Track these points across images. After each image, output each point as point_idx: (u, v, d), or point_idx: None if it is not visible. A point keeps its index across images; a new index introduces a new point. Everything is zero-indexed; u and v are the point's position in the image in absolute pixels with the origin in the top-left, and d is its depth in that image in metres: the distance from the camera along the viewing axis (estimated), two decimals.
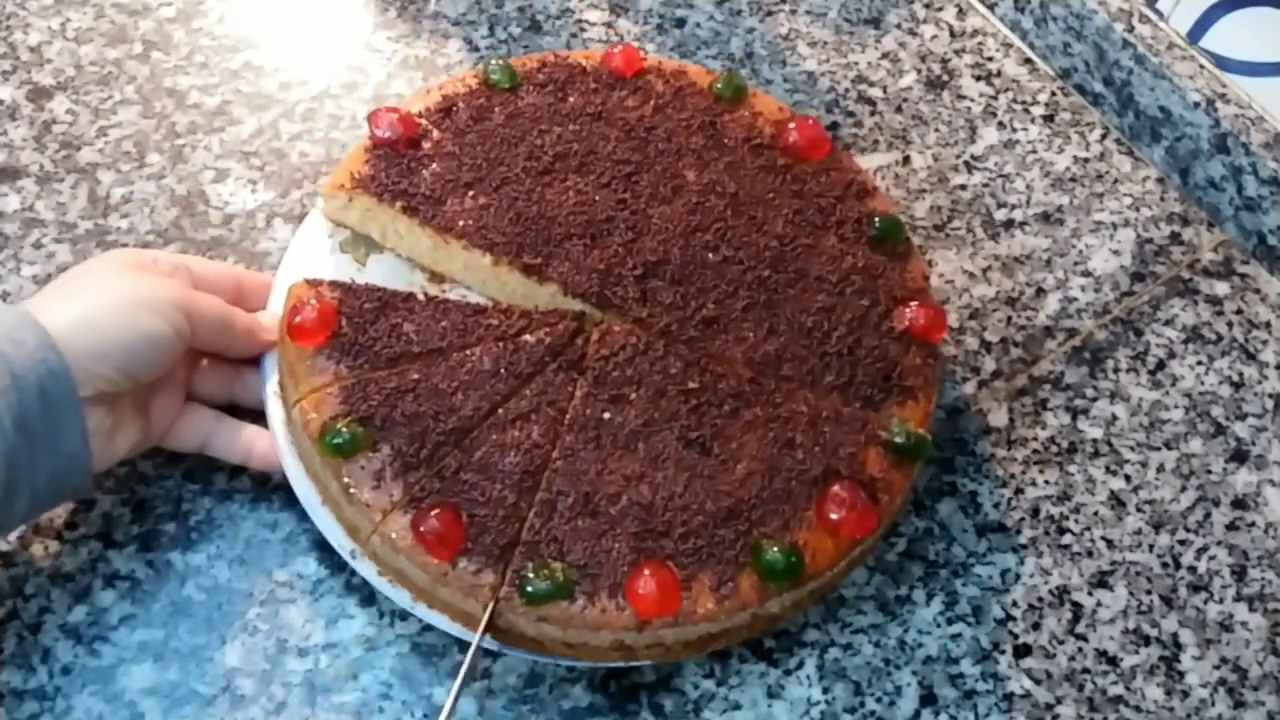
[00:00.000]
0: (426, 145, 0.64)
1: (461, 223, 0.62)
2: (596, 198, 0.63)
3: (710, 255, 0.62)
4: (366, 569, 0.55)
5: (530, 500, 0.55)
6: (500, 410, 0.57)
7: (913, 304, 0.61)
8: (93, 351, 0.52)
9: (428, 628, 0.57)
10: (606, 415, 0.57)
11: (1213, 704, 0.58)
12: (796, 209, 0.64)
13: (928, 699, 0.58)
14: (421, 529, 0.53)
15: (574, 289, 0.61)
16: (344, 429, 0.55)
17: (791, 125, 0.67)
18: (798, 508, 0.55)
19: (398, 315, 0.59)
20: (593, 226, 0.62)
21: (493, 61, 0.68)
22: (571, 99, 0.67)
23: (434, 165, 0.64)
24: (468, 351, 0.59)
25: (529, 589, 0.52)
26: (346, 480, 0.55)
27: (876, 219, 0.64)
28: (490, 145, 0.65)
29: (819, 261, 0.62)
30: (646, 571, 0.52)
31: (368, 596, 0.58)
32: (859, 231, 0.64)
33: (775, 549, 0.54)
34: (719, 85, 0.69)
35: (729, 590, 0.53)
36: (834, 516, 0.55)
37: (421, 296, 0.61)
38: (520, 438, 0.56)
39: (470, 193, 0.63)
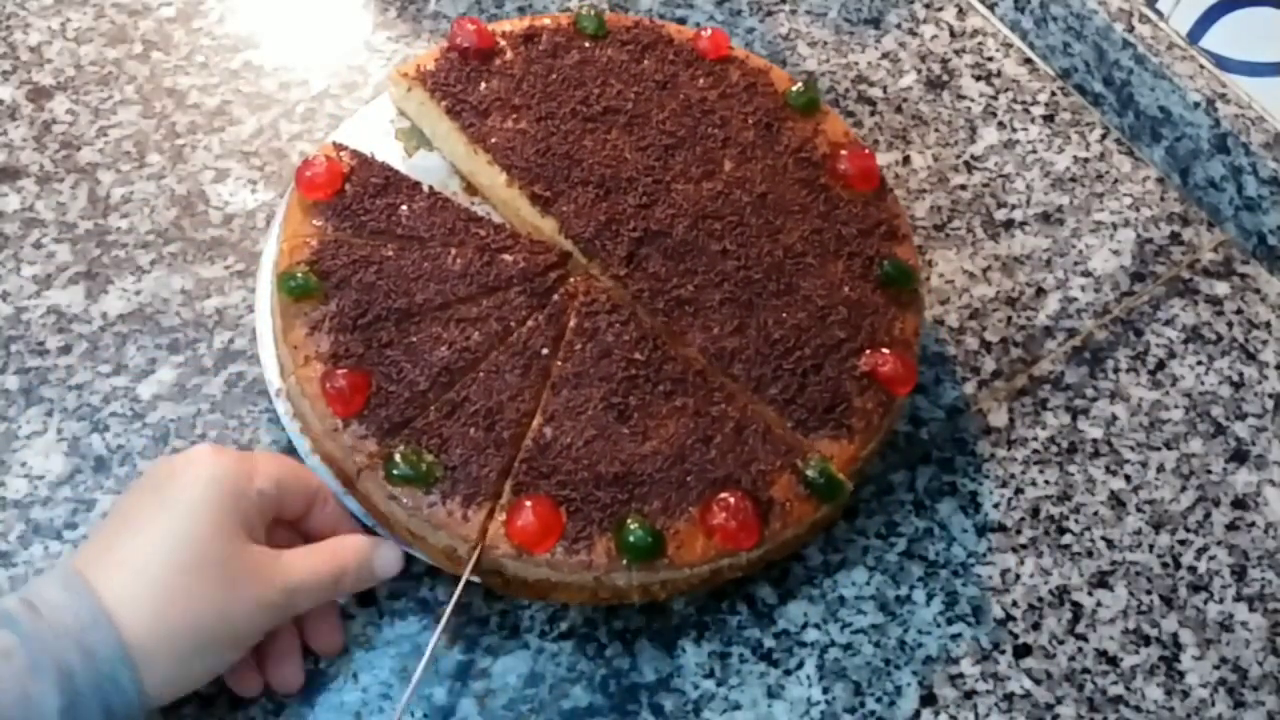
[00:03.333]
0: (496, 63, 0.68)
1: (494, 139, 0.65)
2: (628, 157, 0.65)
3: (712, 244, 0.63)
4: (282, 407, 0.59)
5: (439, 395, 0.57)
6: (450, 309, 0.60)
7: (887, 351, 0.60)
8: (173, 688, 0.49)
9: (427, 628, 0.57)
10: (545, 351, 0.59)
11: (1213, 704, 0.58)
12: (816, 229, 0.64)
13: (928, 699, 0.58)
14: (328, 385, 0.56)
15: (569, 229, 0.63)
16: (301, 275, 0.59)
17: (843, 152, 0.66)
18: (685, 499, 0.55)
19: (400, 197, 0.63)
20: (612, 181, 0.64)
21: (587, 6, 0.71)
22: (646, 62, 0.69)
23: (493, 81, 0.67)
24: (446, 249, 0.61)
25: (393, 469, 0.55)
26: (286, 320, 0.59)
27: (886, 261, 0.63)
28: (552, 81, 0.67)
29: (815, 283, 0.62)
30: (529, 504, 0.54)
31: (367, 596, 0.58)
32: (869, 268, 0.63)
33: (639, 527, 0.54)
34: (793, 91, 0.69)
35: (582, 547, 0.54)
36: (714, 520, 0.54)
37: (426, 189, 0.64)
38: (457, 337, 0.59)
39: (514, 115, 0.66)
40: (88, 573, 0.48)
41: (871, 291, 0.62)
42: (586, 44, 0.69)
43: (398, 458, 0.55)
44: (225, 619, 0.49)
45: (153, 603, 0.47)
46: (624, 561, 0.54)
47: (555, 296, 0.61)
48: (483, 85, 0.67)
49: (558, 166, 0.64)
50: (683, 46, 0.70)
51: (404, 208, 0.63)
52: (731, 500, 0.55)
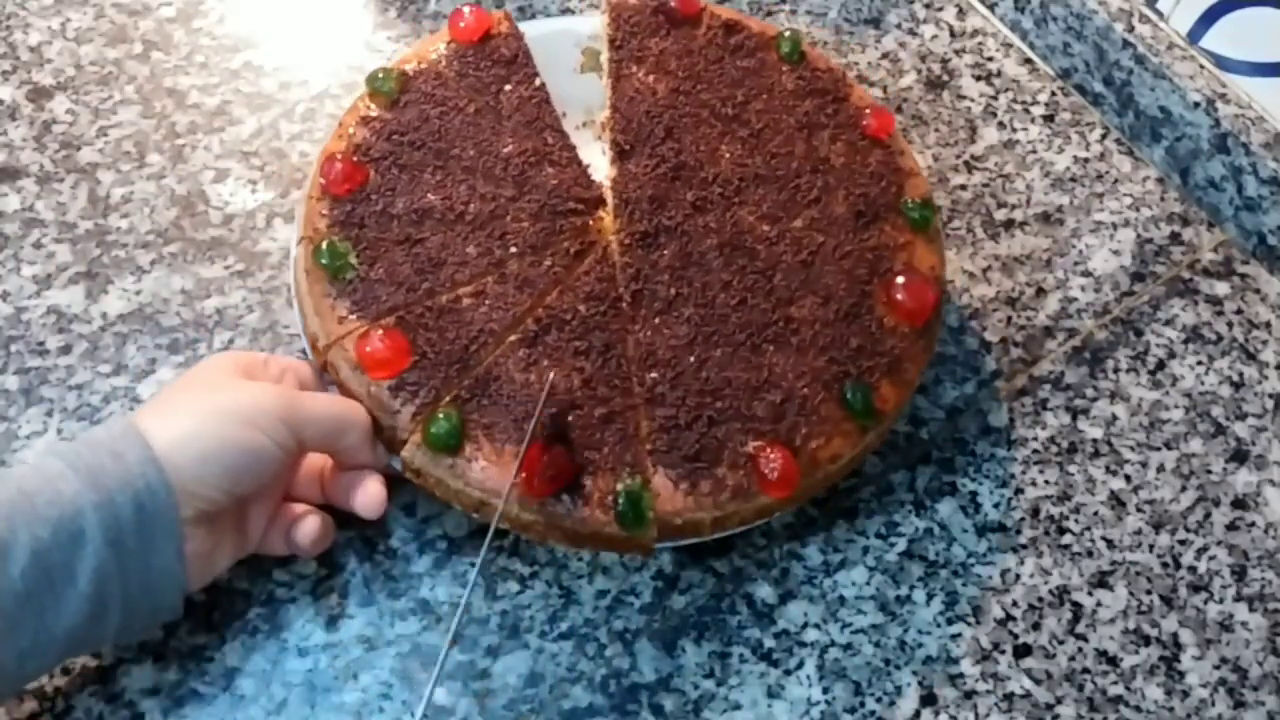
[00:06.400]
0: (683, 30, 0.70)
1: (625, 85, 0.68)
2: (721, 163, 0.66)
3: (724, 274, 0.61)
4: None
5: (403, 228, 0.61)
6: (472, 174, 0.63)
7: (786, 451, 0.57)
8: (195, 472, 0.50)
9: (427, 628, 0.57)
10: (513, 250, 0.61)
11: (1213, 704, 0.59)
12: (826, 321, 0.60)
13: (928, 699, 0.58)
14: (329, 167, 0.62)
15: (619, 183, 0.65)
16: (383, 76, 0.65)
17: (900, 280, 0.62)
18: (515, 433, 0.56)
19: (514, 76, 0.67)
20: (690, 173, 0.65)
21: (791, 31, 0.71)
22: (808, 103, 0.68)
23: (667, 43, 0.69)
24: (514, 135, 0.65)
25: (319, 251, 0.60)
26: (353, 104, 0.66)
27: (858, 384, 0.59)
28: (711, 69, 0.69)
29: (783, 362, 0.59)
30: (381, 333, 0.57)
31: (367, 596, 0.58)
32: (842, 379, 0.59)
33: (448, 419, 0.56)
34: (913, 201, 0.65)
35: (403, 398, 0.57)
36: (532, 461, 0.55)
37: (538, 84, 0.67)
38: (453, 194, 0.62)
39: (656, 77, 0.68)
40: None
41: (823, 401, 0.58)
42: (771, 60, 0.69)
43: (324, 245, 0.59)
44: (235, 403, 0.53)
45: (176, 419, 0.52)
46: (420, 437, 0.56)
47: (560, 223, 0.62)
48: (654, 42, 0.69)
49: (654, 133, 0.66)
50: (852, 110, 0.68)
51: (509, 86, 0.67)
52: (547, 457, 0.55)
